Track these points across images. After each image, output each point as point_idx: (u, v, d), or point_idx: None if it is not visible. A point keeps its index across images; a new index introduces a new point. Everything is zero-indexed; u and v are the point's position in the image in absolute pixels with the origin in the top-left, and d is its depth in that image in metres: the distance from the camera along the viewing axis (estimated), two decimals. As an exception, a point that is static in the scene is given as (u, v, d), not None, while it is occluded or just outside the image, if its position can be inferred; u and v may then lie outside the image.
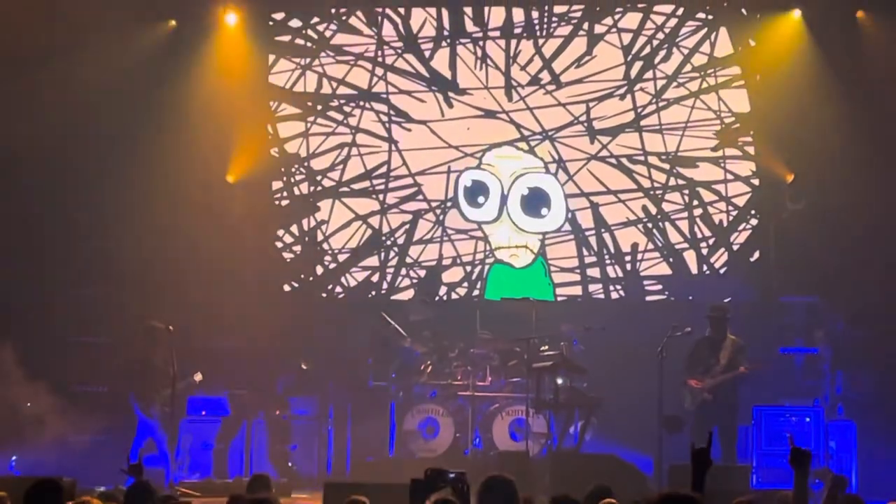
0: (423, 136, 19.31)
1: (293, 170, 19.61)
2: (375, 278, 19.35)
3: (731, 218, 18.89)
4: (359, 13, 19.44)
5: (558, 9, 19.19)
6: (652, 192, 18.99)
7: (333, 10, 19.45)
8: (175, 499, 8.82)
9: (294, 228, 19.55)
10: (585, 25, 19.12)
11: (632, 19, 19.05)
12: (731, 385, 15.71)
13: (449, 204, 19.24)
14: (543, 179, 19.12)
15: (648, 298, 18.93)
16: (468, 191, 19.24)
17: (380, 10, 19.40)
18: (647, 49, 19.01)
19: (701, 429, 15.16)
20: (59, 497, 7.33)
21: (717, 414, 15.48)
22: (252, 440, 17.06)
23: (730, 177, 18.91)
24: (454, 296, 19.22)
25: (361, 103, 19.41)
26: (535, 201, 19.10)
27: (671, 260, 18.93)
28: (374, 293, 19.22)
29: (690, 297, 17.50)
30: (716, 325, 15.76)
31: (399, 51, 19.40)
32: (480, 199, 19.22)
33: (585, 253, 19.06)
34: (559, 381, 16.36)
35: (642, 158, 19.01)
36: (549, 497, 8.64)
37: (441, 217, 19.27)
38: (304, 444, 17.28)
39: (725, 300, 18.34)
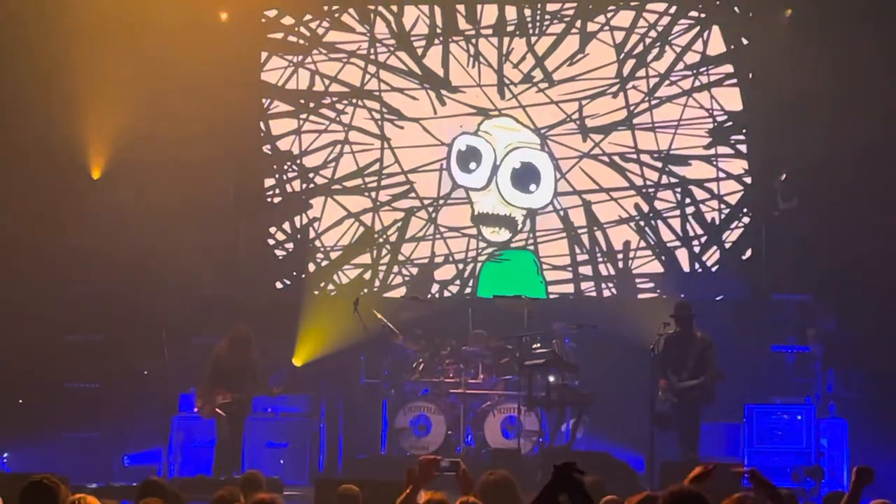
0: (415, 133, 19.31)
1: (285, 167, 19.61)
2: (368, 276, 19.35)
3: (723, 216, 18.91)
4: (351, 10, 19.44)
5: (551, 6, 19.19)
6: (644, 190, 19.01)
7: (326, 8, 19.46)
8: (177, 494, 8.81)
9: (286, 226, 19.54)
10: (578, 23, 19.13)
11: (624, 17, 19.06)
12: (700, 389, 15.60)
13: (441, 202, 19.26)
14: (537, 156, 19.10)
15: (640, 296, 18.94)
16: (461, 154, 19.22)
17: (372, 7, 19.40)
18: (640, 47, 19.03)
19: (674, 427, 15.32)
20: (54, 495, 7.32)
21: (681, 416, 15.46)
22: (246, 438, 17.01)
23: (722, 175, 18.93)
24: (446, 293, 19.24)
25: (354, 101, 19.41)
26: (525, 176, 19.09)
27: (663, 258, 18.95)
28: (366, 290, 19.21)
29: (682, 295, 17.50)
30: (681, 324, 15.70)
31: (391, 48, 19.40)
32: (472, 165, 19.21)
33: (577, 251, 19.08)
34: (551, 378, 16.37)
35: (635, 156, 19.03)
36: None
37: (433, 215, 19.28)
38: (295, 442, 17.26)
39: (717, 298, 18.42)
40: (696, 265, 18.94)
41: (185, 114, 18.42)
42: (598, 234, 19.04)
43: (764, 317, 18.20)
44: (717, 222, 18.91)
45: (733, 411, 16.56)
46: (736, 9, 19.04)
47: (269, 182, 19.65)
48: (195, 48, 18.55)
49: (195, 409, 16.30)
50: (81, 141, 18.54)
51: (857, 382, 17.45)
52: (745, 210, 18.88)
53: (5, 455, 17.51)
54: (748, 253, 18.83)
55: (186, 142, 18.47)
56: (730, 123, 18.90)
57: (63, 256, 18.50)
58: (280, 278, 19.60)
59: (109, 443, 17.75)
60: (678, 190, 18.99)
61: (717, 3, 19.13)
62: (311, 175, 19.48)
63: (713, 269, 18.93)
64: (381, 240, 19.35)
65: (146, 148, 18.48)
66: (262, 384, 16.22)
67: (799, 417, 16.42)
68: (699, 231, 18.94)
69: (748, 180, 18.85)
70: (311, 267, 19.47)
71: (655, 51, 19.01)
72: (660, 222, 18.98)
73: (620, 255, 19.01)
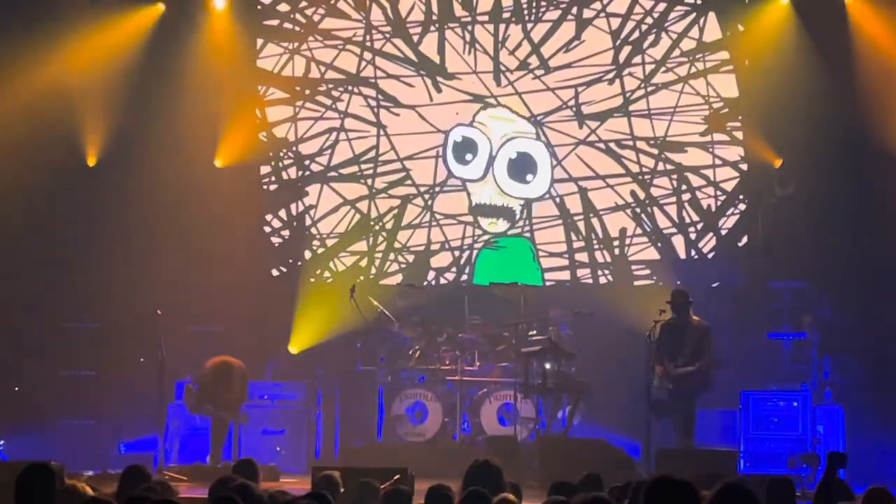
0: (411, 120, 19.29)
1: (281, 154, 19.59)
2: (364, 263, 19.34)
3: (719, 203, 18.91)
4: (347, -3, 19.43)
5: (547, -7, 19.19)
6: (640, 177, 19.00)
7: (322, -5, 19.44)
8: (167, 483, 8.80)
9: (282, 213, 19.53)
10: (574, 10, 19.10)
11: (620, 4, 19.04)
12: (696, 376, 15.53)
13: (437, 189, 19.24)
14: (533, 146, 19.09)
15: (636, 283, 18.94)
16: (457, 146, 19.20)
17: (368, -7, 19.39)
18: (636, 34, 19.01)
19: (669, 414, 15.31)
20: (50, 482, 7.32)
21: (676, 403, 15.45)
22: (242, 425, 17.01)
23: (718, 162, 18.92)
24: (443, 280, 19.23)
25: (350, 88, 19.39)
26: (521, 166, 19.09)
27: (659, 245, 18.95)
28: (362, 278, 19.20)
29: (679, 282, 17.50)
30: (678, 311, 15.63)
31: (387, 35, 19.37)
32: (468, 157, 19.20)
33: (574, 238, 19.07)
34: (547, 365, 16.35)
35: (631, 143, 19.02)
36: (549, 485, 8.63)
37: (429, 202, 19.27)
38: (292, 429, 17.27)
39: (713, 285, 18.42)
40: (693, 252, 18.94)
41: (181, 101, 18.40)
42: (595, 221, 19.04)
43: (760, 303, 18.18)
44: (714, 209, 18.91)
45: (729, 398, 16.55)
46: (732, -5, 19.04)
47: (265, 169, 19.64)
48: (190, 36, 18.56)
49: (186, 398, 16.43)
50: (78, 129, 18.51)
51: (853, 369, 17.45)
52: (741, 197, 18.88)
53: (1, 443, 17.50)
54: (744, 240, 18.83)
55: (181, 128, 18.45)
56: (726, 110, 18.89)
57: (60, 245, 18.48)
58: (276, 265, 19.59)
59: (106, 430, 17.75)
60: (674, 177, 18.98)
61: (713, -11, 19.11)
62: (307, 162, 19.46)
63: (709, 255, 18.93)
64: (377, 227, 19.34)
65: (142, 135, 18.46)
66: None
67: (795, 404, 16.41)
68: (695, 218, 18.94)
69: (744, 167, 18.84)
70: (307, 254, 19.46)
71: (651, 37, 18.99)
72: (656, 209, 18.98)
73: (616, 242, 19.01)
